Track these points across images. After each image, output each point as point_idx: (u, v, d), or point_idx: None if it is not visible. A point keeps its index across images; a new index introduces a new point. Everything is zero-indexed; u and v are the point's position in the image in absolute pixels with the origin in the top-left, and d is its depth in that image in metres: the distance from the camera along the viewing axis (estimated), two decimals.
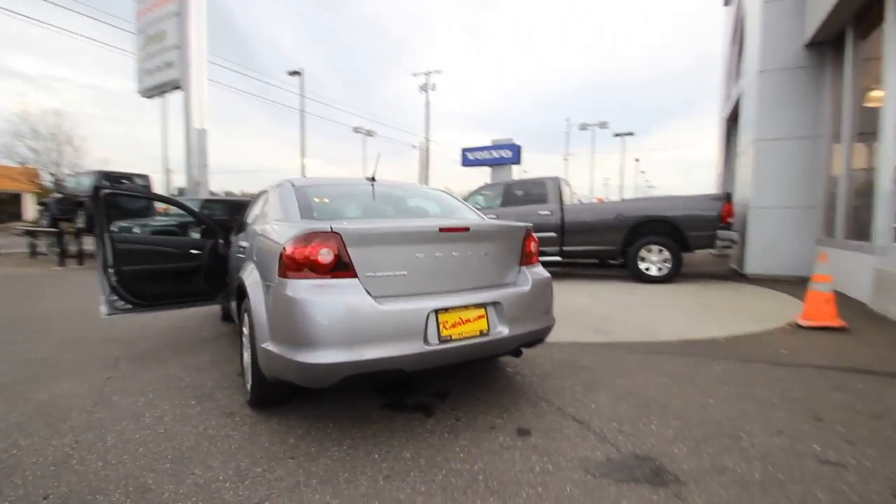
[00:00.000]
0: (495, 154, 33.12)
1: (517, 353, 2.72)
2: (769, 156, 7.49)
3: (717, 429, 2.37)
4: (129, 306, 3.92)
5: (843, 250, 6.16)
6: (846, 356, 3.52)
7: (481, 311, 2.38)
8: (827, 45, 6.99)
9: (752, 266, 7.68)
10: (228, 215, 12.85)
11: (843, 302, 5.08)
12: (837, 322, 4.19)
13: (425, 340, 2.17)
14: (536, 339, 2.66)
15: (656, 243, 7.29)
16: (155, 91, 16.68)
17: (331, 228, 2.14)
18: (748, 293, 6.34)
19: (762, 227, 7.59)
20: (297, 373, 2.10)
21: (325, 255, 2.11)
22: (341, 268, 2.13)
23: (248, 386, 2.66)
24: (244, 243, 3.03)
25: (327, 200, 2.91)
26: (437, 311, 2.22)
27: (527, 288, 2.61)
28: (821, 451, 2.14)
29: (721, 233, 7.10)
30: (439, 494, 1.83)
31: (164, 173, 22.00)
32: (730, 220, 7.11)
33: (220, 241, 4.46)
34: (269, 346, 2.24)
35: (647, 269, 7.35)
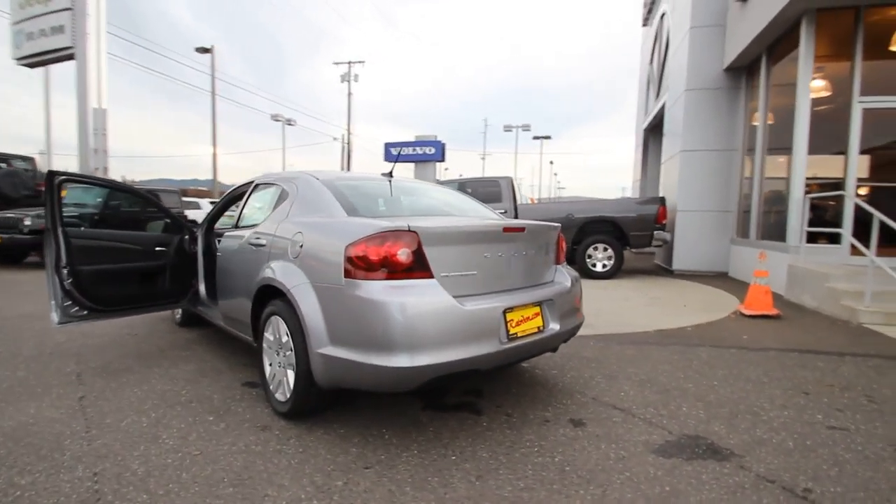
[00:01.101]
0: (419, 150, 33.24)
1: (555, 349, 2.83)
2: (692, 165, 8.45)
3: (735, 407, 2.67)
4: (84, 312, 3.41)
5: (758, 249, 7.16)
6: (793, 339, 4.13)
7: (537, 309, 2.44)
8: (742, 70, 8.05)
9: (678, 263, 8.61)
10: (140, 207, 11.47)
11: None
12: (774, 311, 4.89)
13: (500, 339, 2.18)
14: (574, 334, 2.79)
15: (602, 242, 7.88)
16: (37, 59, 14.22)
17: (408, 227, 2.06)
18: (684, 287, 7.11)
19: (687, 229, 8.54)
20: (376, 378, 2.00)
21: (405, 255, 2.03)
22: (419, 268, 2.06)
23: (282, 396, 2.46)
24: (262, 241, 2.78)
25: (364, 197, 2.78)
26: (505, 310, 2.25)
27: (568, 284, 2.72)
28: (823, 420, 2.52)
29: (657, 233, 7.89)
30: (541, 489, 1.86)
31: (46, 156, 18.87)
32: (664, 221, 7.91)
33: (186, 237, 4.03)
34: (333, 352, 2.10)
35: (594, 266, 7.92)
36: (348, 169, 39.91)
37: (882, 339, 4.13)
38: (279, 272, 2.47)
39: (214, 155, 25.73)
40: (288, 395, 2.41)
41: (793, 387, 2.99)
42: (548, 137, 39.77)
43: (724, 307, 5.47)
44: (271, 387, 2.59)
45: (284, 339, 2.44)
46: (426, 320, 1.97)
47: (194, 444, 2.21)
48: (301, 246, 2.39)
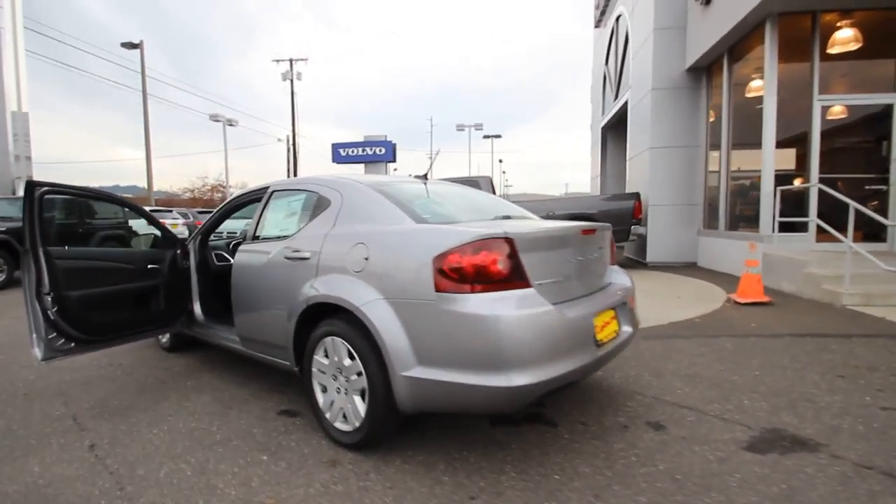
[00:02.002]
0: (369, 151, 32.66)
1: None
2: (661, 161, 8.82)
3: (789, 396, 2.74)
4: (71, 345, 2.97)
5: (728, 239, 7.58)
6: (796, 324, 4.37)
7: (613, 312, 2.37)
8: (703, 70, 8.50)
9: (651, 255, 8.97)
10: (75, 217, 10.30)
11: (733, 282, 6.14)
12: (765, 298, 5.17)
13: (594, 347, 2.09)
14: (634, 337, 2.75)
15: None
16: None
17: (505, 233, 1.91)
18: (667, 279, 7.39)
19: (657, 222, 8.91)
20: (486, 400, 1.84)
21: (504, 264, 1.88)
22: (517, 277, 1.92)
23: (346, 425, 2.23)
24: (304, 254, 2.50)
25: (422, 201, 2.59)
26: (593, 316, 2.16)
27: (630, 284, 2.68)
28: (872, 401, 2.63)
29: (634, 228, 8.16)
30: (664, 501, 1.78)
31: None
32: (640, 216, 8.20)
33: (178, 251, 3.64)
34: (423, 374, 1.91)
35: None
36: (295, 173, 38.46)
37: (872, 319, 4.47)
38: (338, 288, 2.23)
39: (148, 159, 23.75)
40: (357, 424, 2.18)
41: (826, 370, 3.13)
42: (498, 136, 40.46)
43: (715, 297, 5.72)
44: (328, 415, 2.34)
45: (347, 362, 2.20)
46: (536, 333, 1.84)
47: (263, 491, 1.94)
48: (367, 258, 2.16)
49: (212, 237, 4.00)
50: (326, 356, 2.34)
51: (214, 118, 30.51)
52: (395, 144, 35.19)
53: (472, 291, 1.85)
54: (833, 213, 5.81)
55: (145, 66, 22.57)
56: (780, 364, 3.28)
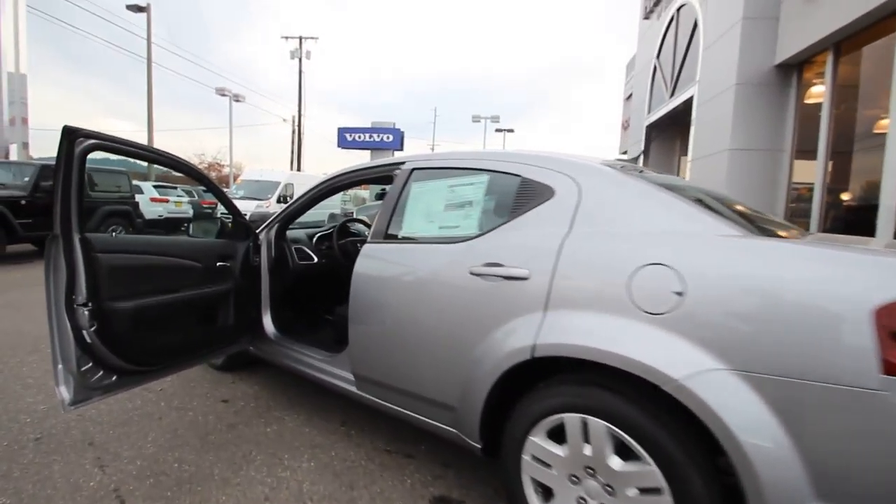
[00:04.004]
0: (376, 137, 31.66)
1: None
2: (740, 164, 7.99)
3: None
4: (113, 378, 2.07)
5: None
6: None
7: None
8: (794, 67, 7.65)
9: None
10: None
11: None
12: None
13: None
14: None
15: None
16: None
17: None
18: None
19: None
20: None
21: None
22: None
23: None
24: (518, 271, 1.60)
25: (710, 200, 1.70)
26: None
27: None
28: None
29: None
30: None
31: None
32: None
33: (251, 244, 2.74)
34: None
35: None
36: (299, 155, 37.28)
37: None
38: (616, 340, 1.35)
39: (150, 132, 22.45)
40: None
41: None
42: (511, 130, 39.39)
43: None
44: None
45: (618, 464, 1.33)
46: None
47: None
48: (680, 292, 1.26)
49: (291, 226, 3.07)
50: (559, 441, 1.45)
51: (221, 92, 29.07)
52: (402, 132, 34.25)
53: None
54: None
55: (151, 33, 21.20)
56: None
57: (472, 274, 1.70)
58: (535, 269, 1.57)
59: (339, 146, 32.60)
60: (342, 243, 3.42)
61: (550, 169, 1.73)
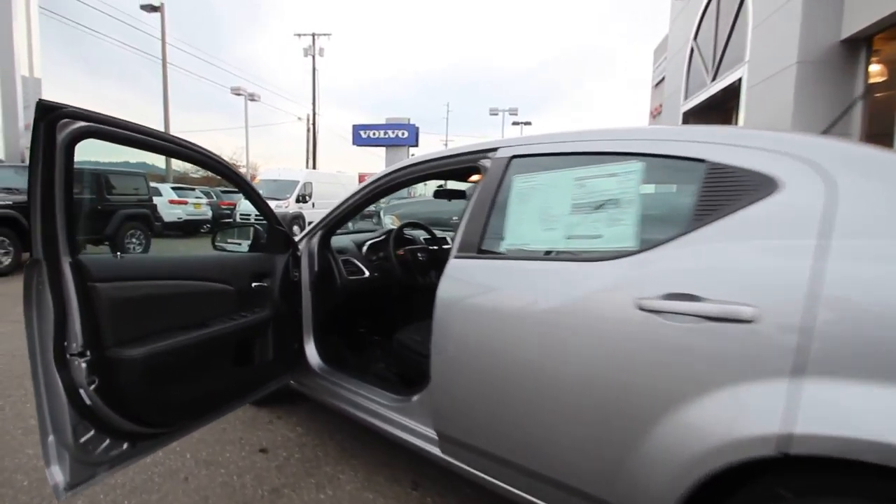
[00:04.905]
0: (391, 134, 31.30)
1: None
2: None
3: None
4: (123, 446, 1.62)
5: None
6: None
7: None
8: (862, 42, 6.91)
9: None
10: (93, 190, 8.85)
11: None
12: None
13: None
14: None
15: None
16: None
17: None
18: None
19: None
20: None
21: None
22: None
23: None
24: (740, 308, 1.11)
25: None
26: None
27: None
28: None
29: None
30: None
31: None
32: None
33: (290, 257, 2.27)
34: None
35: None
36: (314, 154, 37.05)
37: None
38: None
39: (167, 131, 22.29)
40: None
41: None
42: (528, 123, 38.45)
43: None
44: None
45: None
46: None
47: None
48: None
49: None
50: None
51: (236, 91, 28.92)
52: (417, 128, 33.77)
53: None
54: None
55: (165, 33, 21.01)
56: None
57: (641, 310, 1.19)
58: (769, 308, 1.05)
59: (353, 143, 32.34)
60: (400, 253, 2.92)
61: (767, 150, 1.21)
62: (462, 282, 1.63)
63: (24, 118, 10.28)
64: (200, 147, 1.79)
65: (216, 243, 2.48)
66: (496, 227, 1.64)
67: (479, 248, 1.64)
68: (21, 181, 7.94)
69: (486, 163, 1.74)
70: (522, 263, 1.52)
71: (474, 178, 2.49)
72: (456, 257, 1.67)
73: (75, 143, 1.37)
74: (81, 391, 1.40)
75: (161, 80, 21.72)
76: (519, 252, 1.59)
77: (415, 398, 1.81)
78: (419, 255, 3.12)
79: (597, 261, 1.34)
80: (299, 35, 35.35)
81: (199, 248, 8.64)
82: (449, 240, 3.54)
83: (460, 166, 1.88)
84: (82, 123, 1.38)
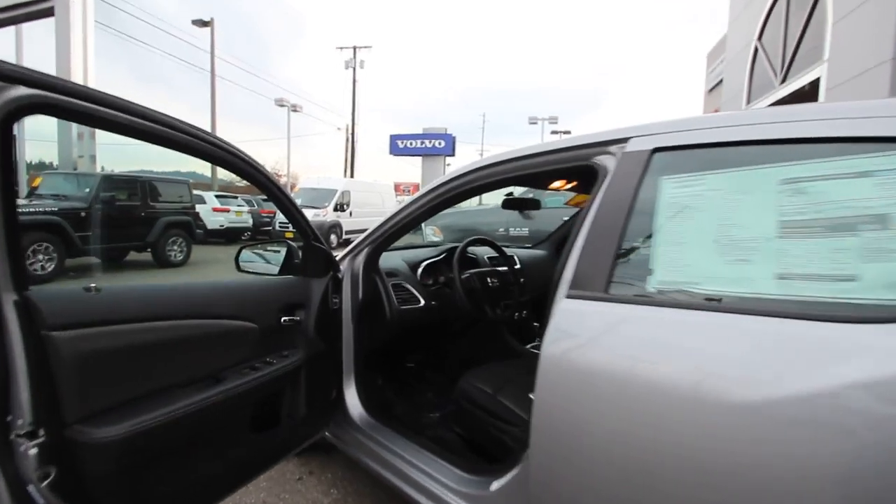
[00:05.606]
0: (427, 144, 31.15)
1: None
2: None
3: None
4: None
5: None
6: None
7: None
8: None
9: None
10: (137, 198, 8.96)
11: None
12: None
13: None
14: None
15: None
16: (4, 17, 11.54)
17: None
18: None
19: None
20: None
21: None
22: None
23: None
24: None
25: None
26: None
27: None
28: None
29: None
30: None
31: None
32: None
33: (330, 282, 1.83)
34: None
35: None
36: (352, 164, 37.51)
37: None
38: None
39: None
40: None
41: None
42: (568, 132, 37.62)
43: None
44: None
45: None
46: None
47: None
48: None
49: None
50: None
51: (280, 103, 29.67)
52: (454, 137, 33.60)
53: None
54: None
55: (215, 47, 21.78)
56: None
57: None
58: None
59: (390, 153, 32.48)
60: (466, 278, 2.34)
61: None
62: (583, 337, 1.12)
63: (77, 128, 10.67)
64: (206, 132, 1.37)
65: (240, 262, 2.09)
66: (636, 256, 1.11)
67: (606, 286, 1.11)
68: (69, 187, 8.12)
69: (605, 160, 1.22)
70: (691, 315, 0.97)
71: (555, 184, 2.00)
72: (569, 297, 1.15)
73: (15, 117, 0.92)
74: (30, 488, 0.97)
75: (209, 92, 22.52)
76: (681, 296, 1.03)
77: (494, 486, 1.30)
78: (489, 279, 2.52)
79: (849, 322, 0.78)
80: (341, 48, 36.12)
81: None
82: (517, 259, 2.91)
83: (562, 166, 1.36)
84: (25, 91, 0.93)
